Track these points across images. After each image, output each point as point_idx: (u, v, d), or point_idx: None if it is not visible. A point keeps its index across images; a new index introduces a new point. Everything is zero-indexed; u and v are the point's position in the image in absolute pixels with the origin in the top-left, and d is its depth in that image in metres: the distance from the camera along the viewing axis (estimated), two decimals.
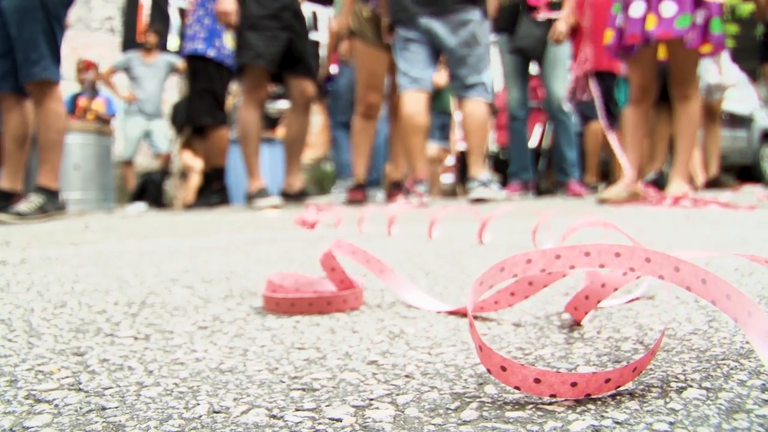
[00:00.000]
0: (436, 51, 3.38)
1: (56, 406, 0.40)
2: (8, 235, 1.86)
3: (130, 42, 6.94)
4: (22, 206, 2.55)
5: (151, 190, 5.70)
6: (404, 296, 0.71)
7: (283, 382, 0.44)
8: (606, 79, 4.57)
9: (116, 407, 0.40)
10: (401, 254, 1.19)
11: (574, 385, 0.37)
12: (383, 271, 0.72)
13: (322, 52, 5.20)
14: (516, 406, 0.37)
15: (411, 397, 0.40)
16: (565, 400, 0.37)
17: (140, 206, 5.15)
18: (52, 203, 2.67)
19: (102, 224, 2.40)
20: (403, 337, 0.57)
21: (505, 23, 4.02)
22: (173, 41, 7.26)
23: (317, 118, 6.51)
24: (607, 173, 5.27)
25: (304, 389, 0.42)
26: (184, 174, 5.92)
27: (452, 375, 0.44)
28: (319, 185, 6.93)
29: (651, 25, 2.66)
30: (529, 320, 0.61)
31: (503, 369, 0.38)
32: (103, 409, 0.39)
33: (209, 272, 1.02)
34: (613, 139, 3.22)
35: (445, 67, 3.45)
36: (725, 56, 4.46)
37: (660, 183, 3.99)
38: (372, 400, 0.39)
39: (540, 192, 4.79)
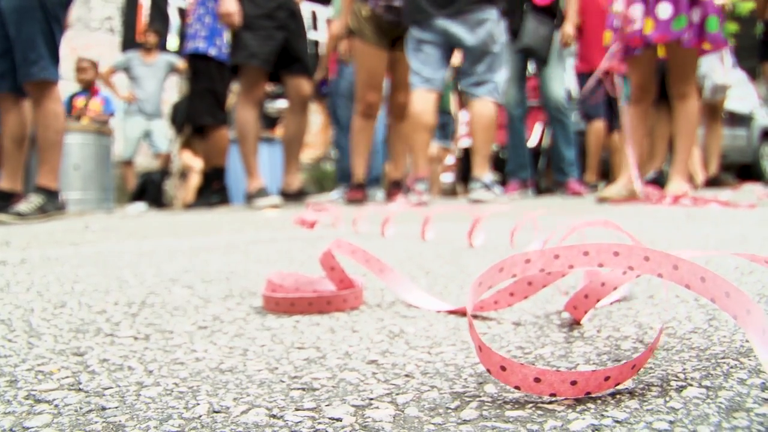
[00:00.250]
0: (450, 52, 3.39)
1: (56, 406, 0.40)
2: (8, 235, 1.86)
3: (129, 42, 6.94)
4: (22, 206, 2.55)
5: (150, 190, 5.69)
6: (404, 296, 0.71)
7: (283, 381, 0.44)
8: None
9: (116, 407, 0.40)
10: (401, 253, 1.19)
11: (573, 383, 0.37)
12: (383, 270, 0.72)
13: (322, 51, 5.20)
14: (516, 405, 0.37)
15: (411, 397, 0.40)
16: (565, 399, 0.37)
17: (140, 206, 5.15)
18: (52, 203, 2.67)
19: (102, 224, 2.40)
20: (403, 336, 0.57)
21: (510, 25, 4.02)
22: (173, 41, 7.26)
23: (316, 118, 6.51)
24: (608, 172, 5.27)
25: (304, 389, 0.42)
26: (183, 174, 5.92)
27: (452, 374, 0.44)
28: (318, 185, 6.93)
29: (648, 29, 2.66)
30: (529, 319, 0.61)
31: (503, 369, 0.38)
32: (103, 409, 0.39)
33: (209, 272, 1.02)
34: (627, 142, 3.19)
35: (461, 64, 3.45)
36: (729, 55, 4.46)
37: (660, 182, 3.99)
38: (372, 399, 0.39)
39: (540, 191, 4.79)
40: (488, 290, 0.44)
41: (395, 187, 3.80)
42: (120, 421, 0.37)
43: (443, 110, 5.73)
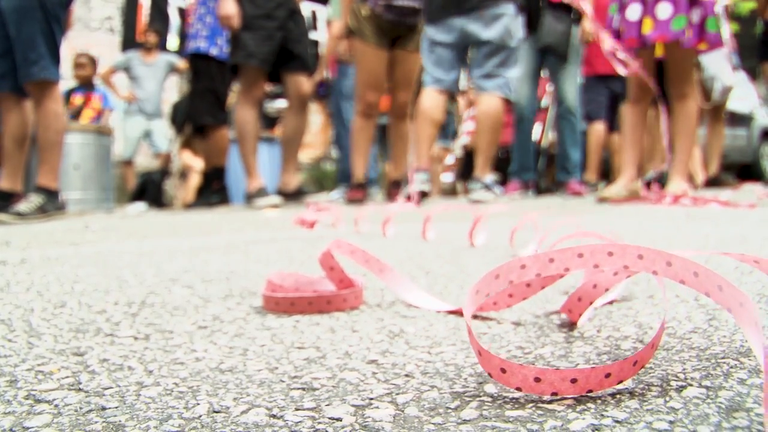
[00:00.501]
0: (464, 53, 3.41)
1: (56, 406, 0.40)
2: (8, 235, 1.86)
3: (129, 42, 6.93)
4: (22, 206, 2.55)
5: (150, 190, 5.69)
6: (404, 295, 0.71)
7: (283, 381, 0.44)
8: (613, 83, 4.58)
9: (116, 407, 0.40)
10: (401, 253, 1.19)
11: (574, 381, 0.37)
12: (383, 270, 0.72)
13: (322, 51, 5.19)
14: (516, 405, 0.37)
15: (411, 397, 0.40)
16: (565, 398, 0.37)
17: (140, 206, 5.14)
18: (52, 203, 2.67)
19: (102, 224, 2.40)
20: (403, 336, 0.57)
21: (529, 23, 4.01)
22: (173, 41, 7.26)
23: (316, 118, 6.51)
24: (608, 172, 5.27)
25: (304, 389, 0.42)
26: (183, 174, 5.92)
27: (452, 374, 0.44)
28: (318, 184, 6.93)
29: (647, 29, 2.66)
30: (529, 319, 0.61)
31: (503, 371, 0.38)
32: (103, 409, 0.39)
33: (209, 272, 1.02)
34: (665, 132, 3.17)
35: (474, 58, 3.46)
36: (734, 56, 4.46)
37: (660, 182, 4.00)
38: (372, 399, 0.39)
39: (540, 191, 4.79)
40: (485, 297, 0.44)
41: (395, 187, 3.80)
42: (120, 421, 0.37)
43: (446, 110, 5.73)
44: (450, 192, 6.42)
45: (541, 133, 5.55)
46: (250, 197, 3.56)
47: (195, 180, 5.41)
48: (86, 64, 5.43)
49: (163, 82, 5.78)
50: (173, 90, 6.83)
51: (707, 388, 0.38)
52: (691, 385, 0.39)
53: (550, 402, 0.37)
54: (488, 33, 3.28)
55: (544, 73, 4.48)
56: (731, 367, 0.42)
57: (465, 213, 2.34)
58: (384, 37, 3.46)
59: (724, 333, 0.51)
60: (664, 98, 3.15)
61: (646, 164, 4.38)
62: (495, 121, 3.33)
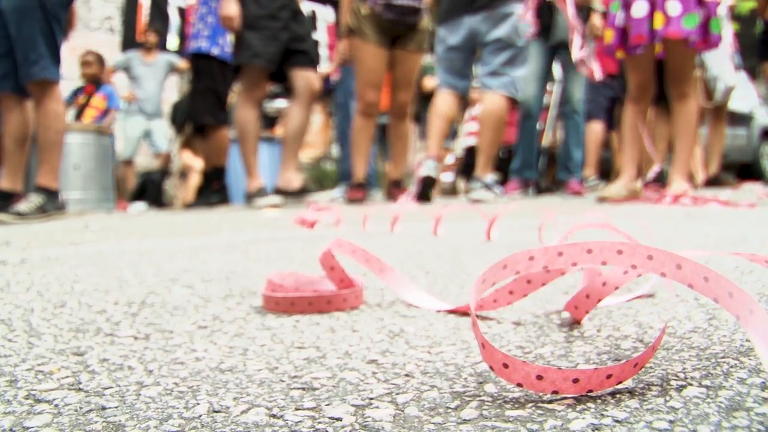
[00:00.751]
0: (473, 55, 3.43)
1: (56, 406, 0.40)
2: (8, 235, 1.86)
3: (129, 41, 6.93)
4: (22, 206, 2.55)
5: (150, 190, 5.69)
6: (404, 295, 0.71)
7: (283, 381, 0.44)
8: (614, 82, 4.59)
9: (116, 407, 0.40)
10: (401, 253, 1.19)
11: (575, 381, 0.37)
12: (383, 270, 0.72)
13: (322, 51, 5.20)
14: (516, 405, 0.37)
15: (411, 396, 0.40)
16: (565, 398, 0.37)
17: (140, 206, 5.14)
18: (52, 203, 2.67)
19: (102, 224, 2.40)
20: (403, 336, 0.57)
21: (541, 21, 4.02)
22: (173, 40, 7.25)
23: (316, 118, 6.51)
24: (608, 171, 5.27)
25: (304, 388, 0.42)
26: (183, 174, 5.92)
27: (452, 374, 0.44)
28: (318, 184, 6.93)
29: (659, 23, 2.64)
30: (529, 319, 0.61)
31: (505, 366, 0.38)
32: (103, 408, 0.39)
33: (209, 272, 1.02)
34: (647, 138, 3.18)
35: (481, 56, 3.48)
36: (737, 56, 4.46)
37: (660, 181, 4.00)
38: (372, 399, 0.39)
39: (540, 190, 4.79)
40: (491, 287, 0.44)
41: (395, 187, 3.80)
42: (120, 420, 0.37)
43: None
44: (450, 191, 6.42)
45: (541, 132, 5.55)
46: (250, 197, 3.56)
47: (195, 180, 5.41)
48: (92, 62, 5.41)
49: (163, 81, 5.78)
50: (173, 90, 6.83)
51: (707, 387, 0.38)
52: (691, 384, 0.39)
53: (550, 402, 0.37)
54: (496, 31, 3.30)
55: (556, 73, 4.48)
56: (731, 367, 0.42)
57: (472, 213, 2.34)
58: (384, 36, 3.46)
59: (724, 332, 0.51)
60: (661, 99, 3.16)
61: (646, 164, 4.39)
62: (498, 121, 3.33)
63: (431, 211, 2.26)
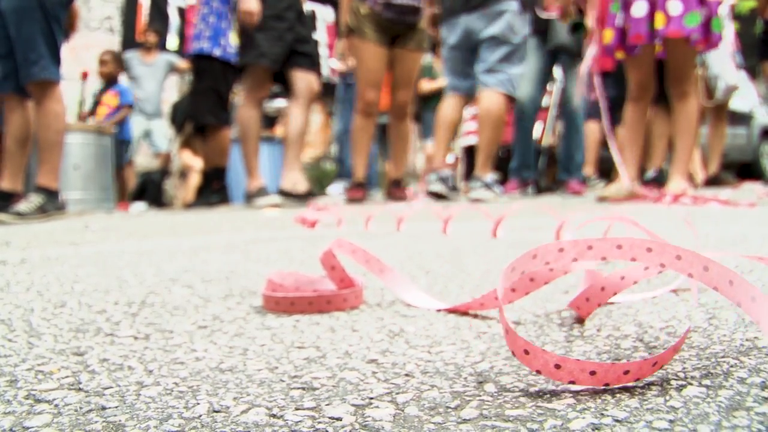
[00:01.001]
0: (474, 54, 3.44)
1: (56, 406, 0.40)
2: (8, 235, 1.86)
3: (129, 41, 6.93)
4: (22, 206, 2.55)
5: (150, 190, 5.68)
6: (405, 297, 0.71)
7: (283, 381, 0.44)
8: (611, 80, 4.59)
9: (116, 407, 0.40)
10: (401, 253, 1.19)
11: (593, 373, 0.37)
12: (383, 270, 0.72)
13: (322, 51, 5.20)
14: (516, 404, 0.37)
15: (411, 396, 0.40)
16: (565, 398, 0.37)
17: (140, 206, 5.14)
18: (52, 203, 2.67)
19: (102, 224, 2.40)
20: (403, 335, 0.57)
21: (537, 24, 4.03)
22: (172, 40, 7.25)
23: (316, 118, 6.51)
24: (609, 171, 5.27)
25: (304, 388, 0.42)
26: (183, 173, 5.92)
27: (452, 373, 0.44)
28: (318, 184, 6.93)
29: (660, 23, 2.64)
30: (529, 318, 0.61)
31: (526, 353, 0.39)
32: (103, 408, 0.39)
33: (209, 272, 1.02)
34: (612, 144, 3.21)
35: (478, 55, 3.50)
36: (738, 55, 4.46)
37: (659, 181, 4.00)
38: (372, 398, 0.39)
39: (539, 190, 4.79)
40: (520, 275, 0.45)
41: (395, 186, 3.80)
42: (120, 420, 0.37)
43: None
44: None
45: (542, 132, 5.55)
46: (250, 197, 3.56)
47: (195, 180, 5.41)
48: (108, 61, 5.43)
49: (162, 81, 5.78)
50: (173, 90, 6.83)
51: (707, 387, 0.38)
52: (691, 384, 0.39)
53: (550, 401, 0.37)
54: (491, 29, 3.32)
55: (557, 74, 4.49)
56: (731, 366, 0.42)
57: (475, 212, 2.34)
58: (384, 35, 3.47)
59: (724, 332, 0.51)
60: (661, 98, 3.16)
61: (646, 163, 4.39)
62: (496, 119, 3.34)
63: (434, 210, 2.26)
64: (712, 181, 4.71)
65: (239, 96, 3.82)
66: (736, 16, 4.75)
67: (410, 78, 3.66)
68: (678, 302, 0.65)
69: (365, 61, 3.50)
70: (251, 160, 3.59)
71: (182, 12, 7.21)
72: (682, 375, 0.41)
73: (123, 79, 5.78)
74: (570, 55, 4.10)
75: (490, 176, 3.38)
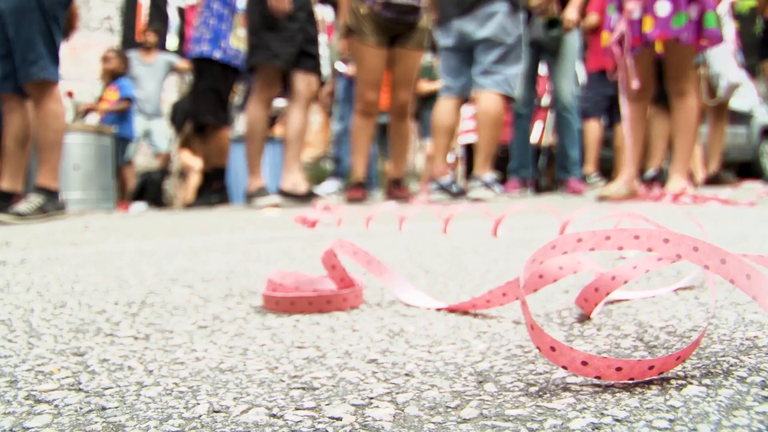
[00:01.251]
0: (468, 55, 3.45)
1: (56, 406, 0.40)
2: (8, 235, 1.86)
3: (129, 41, 6.93)
4: (22, 206, 2.55)
5: (150, 190, 5.68)
6: (406, 300, 0.71)
7: (283, 381, 0.44)
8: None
9: (116, 407, 0.40)
10: (401, 252, 1.19)
11: (618, 369, 0.38)
12: (384, 273, 0.72)
13: (321, 51, 5.21)
14: (516, 404, 0.37)
15: (411, 396, 0.40)
16: (565, 398, 0.37)
17: (140, 206, 5.14)
18: (52, 203, 2.67)
19: (102, 224, 2.40)
20: (403, 335, 0.57)
21: (548, 26, 4.03)
22: (172, 40, 7.26)
23: (316, 118, 6.51)
24: (609, 170, 5.27)
25: (304, 388, 0.42)
26: (183, 173, 5.92)
27: (452, 373, 0.44)
28: (318, 184, 6.93)
29: (648, 27, 2.66)
30: None
31: (552, 349, 0.39)
32: (103, 409, 0.39)
33: (209, 271, 1.02)
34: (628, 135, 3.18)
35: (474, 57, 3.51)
36: (739, 54, 4.46)
37: (660, 180, 4.00)
38: (372, 398, 0.39)
39: (539, 189, 4.79)
40: (540, 265, 0.46)
41: (395, 186, 3.80)
42: (120, 421, 0.37)
43: None
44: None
45: (541, 131, 5.55)
46: (250, 196, 3.56)
47: (195, 180, 5.41)
48: (111, 57, 5.45)
49: (162, 81, 5.78)
50: (173, 90, 6.83)
51: (707, 386, 0.38)
52: (691, 383, 0.39)
53: (550, 401, 0.37)
54: (483, 31, 3.32)
55: (543, 72, 4.49)
56: (731, 366, 0.42)
57: (476, 212, 2.34)
58: (383, 35, 3.46)
59: (724, 331, 0.51)
60: (660, 97, 3.15)
61: (646, 162, 4.39)
62: (494, 119, 3.34)
63: (435, 210, 2.26)
64: (712, 180, 4.71)
65: (237, 97, 3.82)
66: (736, 15, 4.74)
67: (410, 78, 3.66)
68: (678, 301, 0.65)
69: (365, 61, 3.50)
70: (254, 160, 3.59)
71: (182, 12, 7.21)
72: (682, 374, 0.41)
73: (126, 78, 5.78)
74: (550, 53, 4.10)
75: (490, 175, 3.38)
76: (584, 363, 0.39)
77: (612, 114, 4.83)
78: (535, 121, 5.21)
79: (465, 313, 0.65)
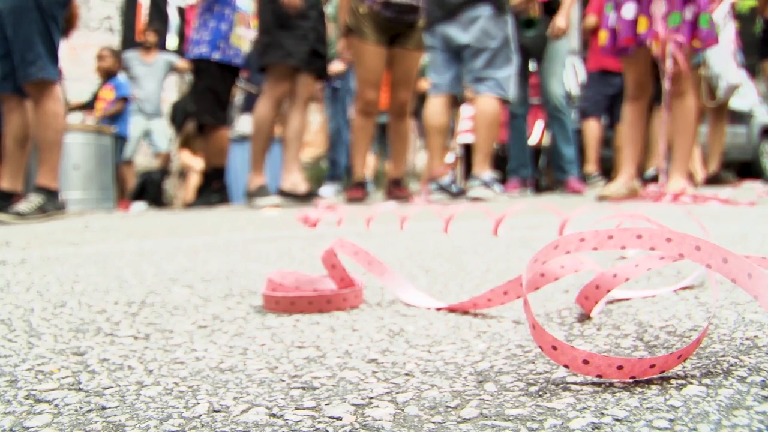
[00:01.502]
0: (455, 54, 3.45)
1: (56, 406, 0.40)
2: (8, 235, 1.86)
3: (129, 41, 6.93)
4: (22, 206, 2.55)
5: (150, 190, 5.68)
6: (409, 301, 0.71)
7: (283, 380, 0.44)
8: (613, 78, 4.58)
9: (116, 407, 0.40)
10: (401, 252, 1.19)
11: (620, 368, 0.38)
12: (384, 272, 0.72)
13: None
14: (516, 404, 0.37)
15: (411, 396, 0.40)
16: (565, 397, 0.37)
17: (141, 206, 5.14)
18: (52, 203, 2.67)
19: (102, 224, 2.40)
20: (403, 335, 0.57)
21: (525, 25, 4.04)
22: (172, 40, 7.25)
23: (315, 117, 6.51)
24: (609, 170, 5.27)
25: (304, 388, 0.42)
26: (183, 173, 5.92)
27: (452, 373, 0.44)
28: (318, 184, 6.93)
29: (642, 27, 2.66)
30: None
31: (554, 348, 0.39)
32: (103, 408, 0.39)
33: (209, 271, 1.02)
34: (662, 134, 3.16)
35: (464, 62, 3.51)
36: (740, 54, 4.46)
37: (658, 179, 4.00)
38: (372, 398, 0.39)
39: (540, 189, 4.79)
40: (542, 265, 0.46)
41: (395, 186, 3.80)
42: (120, 420, 0.37)
43: None
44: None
45: (542, 131, 5.54)
46: (251, 195, 3.55)
47: (195, 179, 5.41)
48: (106, 56, 5.45)
49: (162, 81, 5.78)
50: (173, 89, 6.83)
51: (707, 386, 0.38)
52: (691, 383, 0.39)
53: (550, 400, 0.37)
54: (465, 37, 3.33)
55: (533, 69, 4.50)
56: (731, 365, 0.42)
57: (476, 212, 2.34)
58: (383, 34, 3.47)
59: (724, 331, 0.51)
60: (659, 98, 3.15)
61: (646, 162, 4.39)
62: (491, 120, 3.35)
63: (435, 210, 2.26)
64: (712, 180, 4.71)
65: (237, 96, 3.82)
66: (736, 15, 4.74)
67: (409, 78, 3.66)
68: (678, 301, 0.65)
69: (364, 61, 3.50)
70: (258, 157, 3.59)
71: (182, 12, 7.21)
72: (682, 374, 0.41)
73: (122, 76, 5.78)
74: (535, 55, 4.11)
75: (489, 175, 3.38)
76: (585, 362, 0.39)
77: (612, 113, 4.83)
78: (532, 120, 5.21)
79: (465, 312, 0.65)
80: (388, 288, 0.73)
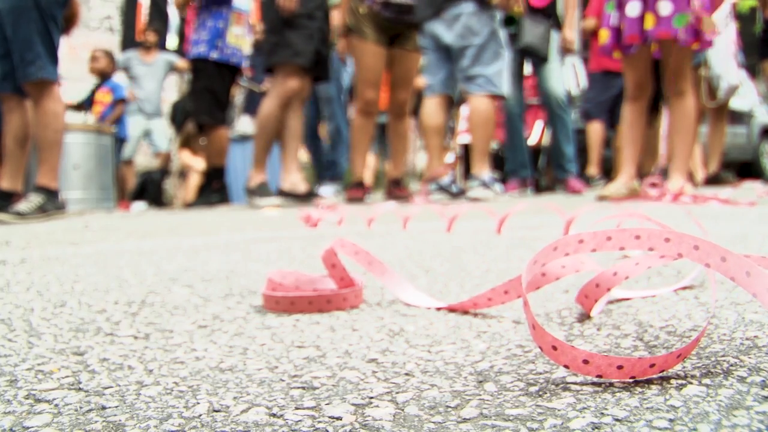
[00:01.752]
0: (446, 54, 3.45)
1: (56, 405, 0.40)
2: (8, 235, 1.86)
3: (129, 41, 6.93)
4: (22, 206, 2.55)
5: (150, 190, 5.68)
6: (406, 299, 0.71)
7: (283, 380, 0.44)
8: (614, 79, 4.59)
9: (116, 406, 0.40)
10: (401, 252, 1.19)
11: (620, 367, 0.38)
12: (384, 272, 0.72)
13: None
14: (516, 404, 0.37)
15: (411, 395, 0.40)
16: (565, 397, 0.37)
17: (141, 205, 5.14)
18: (52, 203, 2.67)
19: (102, 224, 2.40)
20: (403, 335, 0.57)
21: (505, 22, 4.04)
22: (172, 40, 7.25)
23: None
24: (610, 170, 5.27)
25: (304, 388, 0.42)
26: (183, 173, 5.92)
27: (452, 373, 0.44)
28: (317, 184, 6.92)
29: (649, 24, 2.66)
30: None
31: (554, 348, 0.39)
32: (103, 408, 0.39)
33: (209, 271, 1.02)
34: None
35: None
36: (740, 54, 4.46)
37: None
38: (372, 398, 0.39)
39: (539, 189, 4.79)
40: (542, 267, 0.46)
41: (394, 186, 3.80)
42: (120, 420, 0.37)
43: None
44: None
45: (542, 131, 5.54)
46: (251, 191, 3.55)
47: (195, 179, 5.41)
48: (100, 57, 5.45)
49: (162, 81, 5.78)
50: (173, 89, 6.83)
51: (707, 386, 0.38)
52: (691, 383, 0.39)
53: (550, 400, 0.37)
54: (449, 35, 3.34)
55: (528, 71, 4.50)
56: (731, 365, 0.42)
57: (478, 212, 2.34)
58: (382, 34, 3.47)
59: (724, 331, 0.51)
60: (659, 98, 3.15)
61: (646, 162, 4.39)
62: (484, 119, 3.35)
63: (437, 209, 2.26)
64: (712, 180, 4.71)
65: (268, 92, 3.80)
66: (737, 15, 4.74)
67: (409, 77, 3.66)
68: (678, 301, 0.65)
69: (364, 61, 3.50)
70: (261, 154, 3.58)
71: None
72: (682, 374, 0.41)
73: (118, 77, 5.78)
74: (537, 57, 4.11)
75: (488, 175, 3.38)
76: (585, 361, 0.39)
77: (613, 114, 4.83)
78: (531, 120, 5.21)
79: (465, 312, 0.65)
80: (388, 288, 0.73)
